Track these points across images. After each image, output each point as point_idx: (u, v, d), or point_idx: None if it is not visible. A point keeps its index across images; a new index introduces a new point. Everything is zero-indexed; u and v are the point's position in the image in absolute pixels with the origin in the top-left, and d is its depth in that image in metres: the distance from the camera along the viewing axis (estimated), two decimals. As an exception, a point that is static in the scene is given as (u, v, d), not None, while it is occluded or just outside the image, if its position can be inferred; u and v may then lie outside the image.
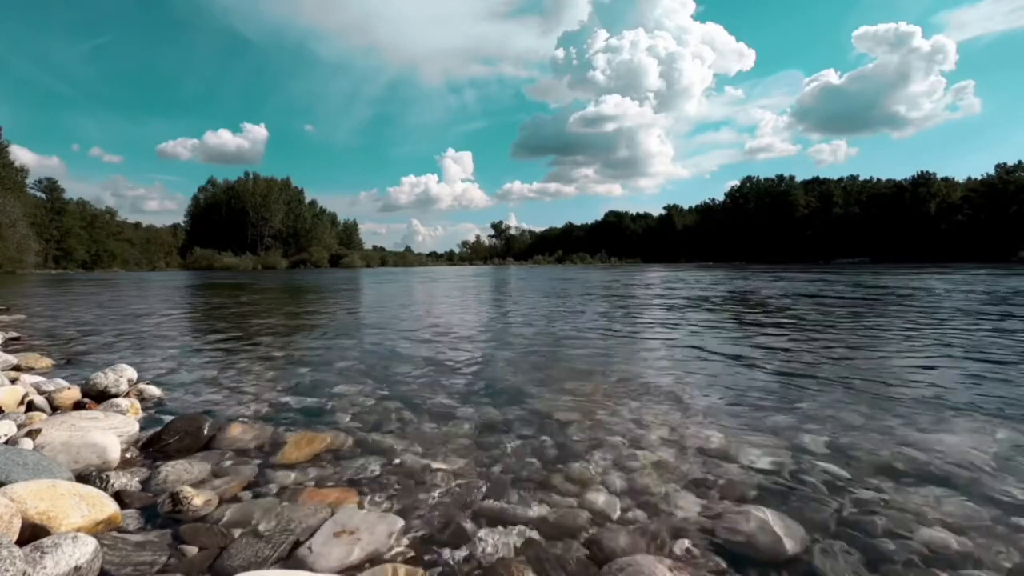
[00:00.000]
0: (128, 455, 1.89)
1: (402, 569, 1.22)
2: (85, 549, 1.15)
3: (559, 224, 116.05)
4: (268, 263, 67.69)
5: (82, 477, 1.63)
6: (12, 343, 4.56)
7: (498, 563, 1.25)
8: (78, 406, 2.41)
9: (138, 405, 2.47)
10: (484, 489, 1.64)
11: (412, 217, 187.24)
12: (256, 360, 3.82)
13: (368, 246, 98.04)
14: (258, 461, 1.86)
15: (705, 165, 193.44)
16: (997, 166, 57.17)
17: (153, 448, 1.96)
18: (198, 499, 1.52)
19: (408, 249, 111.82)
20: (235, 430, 2.11)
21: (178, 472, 1.69)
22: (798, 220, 69.89)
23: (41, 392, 2.50)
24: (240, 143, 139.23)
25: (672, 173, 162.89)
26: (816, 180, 74.73)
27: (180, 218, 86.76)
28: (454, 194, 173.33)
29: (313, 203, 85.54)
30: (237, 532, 1.36)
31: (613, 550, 1.30)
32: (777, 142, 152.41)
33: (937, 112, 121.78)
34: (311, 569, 1.20)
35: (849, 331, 5.12)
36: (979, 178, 58.76)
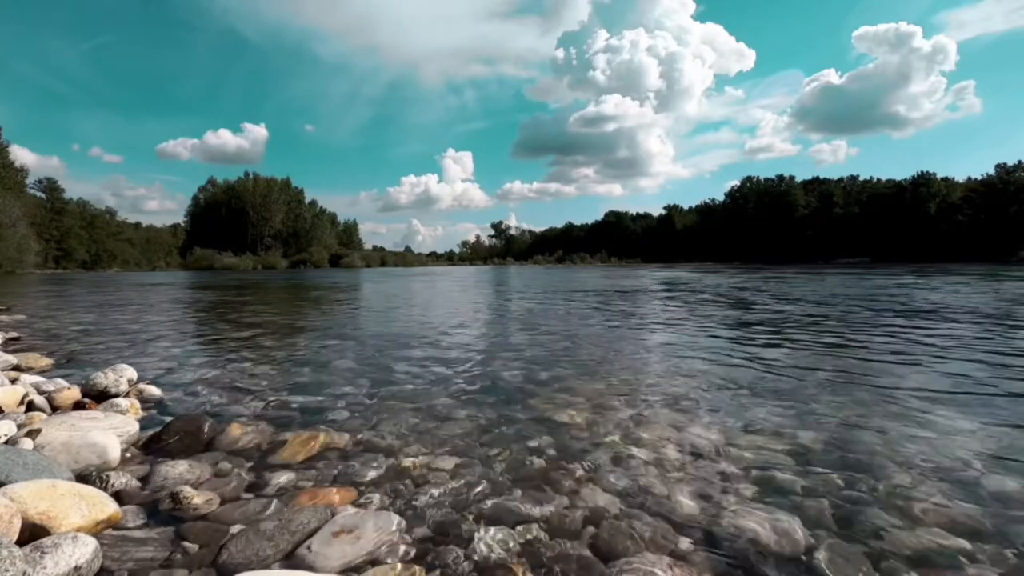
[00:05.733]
0: (128, 455, 1.89)
1: (402, 569, 1.22)
2: (85, 549, 1.15)
3: (559, 224, 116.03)
4: (268, 263, 67.62)
5: (82, 477, 1.63)
6: (12, 343, 4.56)
7: (498, 563, 1.25)
8: (78, 406, 2.41)
9: (138, 405, 2.47)
10: (484, 489, 1.64)
11: (412, 217, 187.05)
12: (256, 360, 3.82)
13: (368, 246, 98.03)
14: (258, 461, 1.86)
15: (705, 165, 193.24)
16: (997, 166, 57.07)
17: (153, 448, 1.96)
18: (198, 499, 1.52)
19: (408, 249, 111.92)
20: (235, 430, 2.11)
21: (178, 472, 1.69)
22: (798, 220, 69.80)
23: (41, 392, 2.50)
24: (240, 143, 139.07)
25: (672, 173, 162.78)
26: (816, 180, 74.60)
27: (180, 218, 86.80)
28: (454, 194, 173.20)
29: (313, 203, 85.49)
30: (238, 531, 1.36)
31: (614, 549, 1.30)
32: (777, 142, 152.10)
33: (937, 112, 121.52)
34: (312, 569, 1.20)
35: (848, 331, 5.12)
36: (979, 178, 58.74)
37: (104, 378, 2.62)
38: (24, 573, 1.03)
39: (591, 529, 1.41)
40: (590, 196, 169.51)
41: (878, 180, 68.65)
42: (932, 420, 2.28)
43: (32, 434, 1.80)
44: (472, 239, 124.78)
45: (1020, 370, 3.22)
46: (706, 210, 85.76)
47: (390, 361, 3.76)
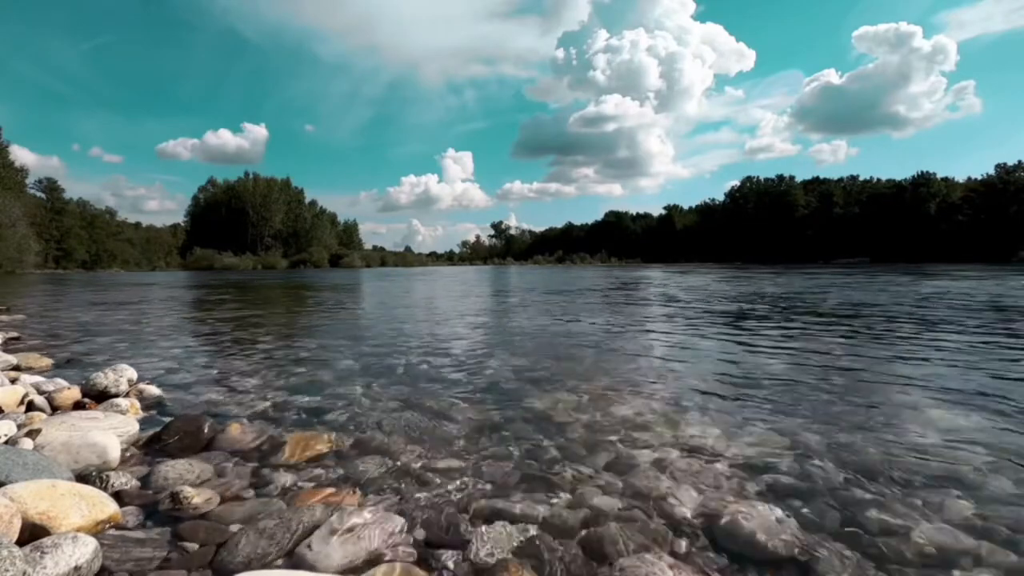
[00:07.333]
0: (128, 455, 1.89)
1: (402, 569, 1.22)
2: (85, 549, 1.15)
3: (559, 224, 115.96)
4: (268, 263, 67.59)
5: (82, 477, 1.63)
6: (12, 343, 4.56)
7: (498, 563, 1.25)
8: (78, 406, 2.41)
9: (138, 405, 2.47)
10: (484, 489, 1.64)
11: (412, 217, 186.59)
12: (256, 360, 3.82)
13: (368, 246, 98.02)
14: (258, 461, 1.86)
15: (705, 165, 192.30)
16: (997, 166, 57.06)
17: (153, 448, 1.97)
18: (198, 498, 1.52)
19: (408, 249, 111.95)
20: (235, 430, 2.11)
21: (178, 472, 1.69)
22: (798, 220, 69.80)
23: (41, 392, 2.50)
24: (240, 143, 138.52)
25: (672, 173, 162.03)
26: (816, 180, 74.59)
27: (180, 218, 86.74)
28: (454, 194, 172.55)
29: (313, 203, 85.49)
30: (238, 530, 1.36)
31: (614, 549, 1.30)
32: (777, 142, 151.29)
33: (937, 112, 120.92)
34: (311, 568, 1.20)
35: (848, 332, 5.12)
36: (979, 178, 58.73)
37: (104, 378, 2.62)
38: (24, 573, 1.03)
39: (591, 529, 1.41)
40: (590, 196, 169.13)
41: (878, 180, 68.65)
42: (933, 420, 2.28)
43: (32, 434, 1.80)
44: (472, 239, 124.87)
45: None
46: (706, 210, 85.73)
47: (390, 361, 3.76)
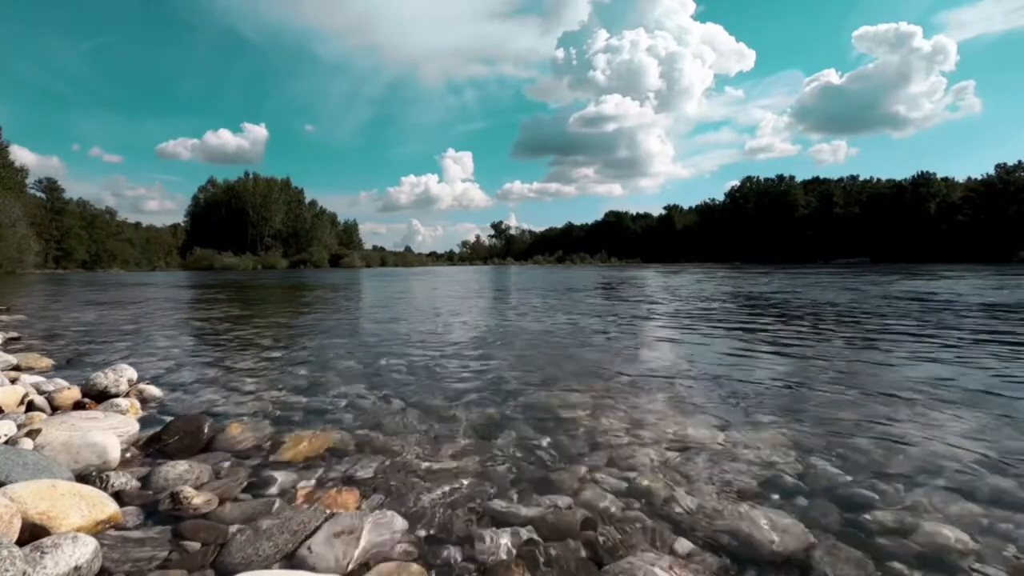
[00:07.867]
0: (128, 455, 1.89)
1: (402, 569, 1.21)
2: (85, 549, 1.14)
3: (559, 224, 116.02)
4: (268, 263, 67.62)
5: (82, 477, 1.62)
6: (12, 343, 4.56)
7: (499, 563, 1.25)
8: (78, 406, 2.41)
9: (138, 405, 2.47)
10: (484, 489, 1.64)
11: (412, 217, 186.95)
12: (256, 360, 3.82)
13: (368, 246, 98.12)
14: (258, 461, 1.86)
15: (705, 165, 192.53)
16: (997, 166, 57.11)
17: (153, 448, 1.96)
18: (198, 499, 1.52)
19: (408, 249, 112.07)
20: (235, 430, 2.11)
21: (178, 472, 1.69)
22: (798, 220, 69.81)
23: (41, 392, 2.50)
24: (240, 143, 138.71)
25: (672, 173, 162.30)
26: (816, 180, 74.61)
27: (180, 218, 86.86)
28: (454, 194, 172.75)
29: (313, 203, 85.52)
30: (238, 531, 1.36)
31: (613, 550, 1.30)
32: (777, 142, 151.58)
33: (937, 112, 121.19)
34: (311, 569, 1.20)
35: (848, 331, 5.12)
36: (979, 178, 58.76)
37: (104, 378, 2.61)
38: (24, 573, 1.03)
39: (591, 529, 1.40)
40: (590, 196, 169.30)
41: (878, 180, 68.66)
42: (934, 420, 2.28)
43: (32, 434, 1.80)
44: (472, 239, 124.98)
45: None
46: (706, 210, 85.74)
47: (391, 361, 3.76)
